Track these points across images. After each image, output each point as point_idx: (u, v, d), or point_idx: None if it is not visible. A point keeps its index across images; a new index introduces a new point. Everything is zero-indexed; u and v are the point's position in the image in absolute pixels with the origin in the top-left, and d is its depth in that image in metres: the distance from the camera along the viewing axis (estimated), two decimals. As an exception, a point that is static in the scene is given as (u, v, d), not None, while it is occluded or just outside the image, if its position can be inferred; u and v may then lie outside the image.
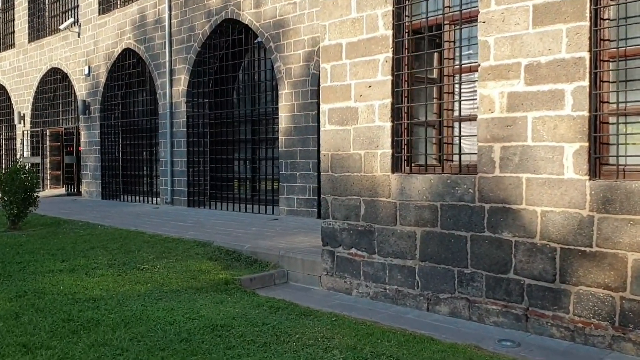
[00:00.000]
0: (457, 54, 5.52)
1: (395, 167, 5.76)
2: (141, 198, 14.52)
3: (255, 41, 11.52)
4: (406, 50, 5.71)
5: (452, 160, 5.52)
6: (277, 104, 11.12)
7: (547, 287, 4.66)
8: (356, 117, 5.99)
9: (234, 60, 12.16)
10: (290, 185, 10.68)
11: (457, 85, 5.60)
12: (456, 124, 5.65)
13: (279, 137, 10.88)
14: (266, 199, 11.21)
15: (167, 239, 8.25)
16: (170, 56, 13.17)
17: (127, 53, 14.79)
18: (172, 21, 13.15)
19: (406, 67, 5.73)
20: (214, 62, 12.63)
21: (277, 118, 11.01)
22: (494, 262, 4.95)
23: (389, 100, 5.73)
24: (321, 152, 6.36)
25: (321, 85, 6.36)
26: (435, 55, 5.75)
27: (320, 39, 6.43)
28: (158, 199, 13.91)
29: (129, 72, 15.04)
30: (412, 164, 5.80)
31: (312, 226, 9.09)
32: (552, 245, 4.62)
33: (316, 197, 10.23)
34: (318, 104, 10.22)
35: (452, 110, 5.59)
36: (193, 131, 12.88)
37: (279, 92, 10.84)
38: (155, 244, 7.92)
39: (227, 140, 12.35)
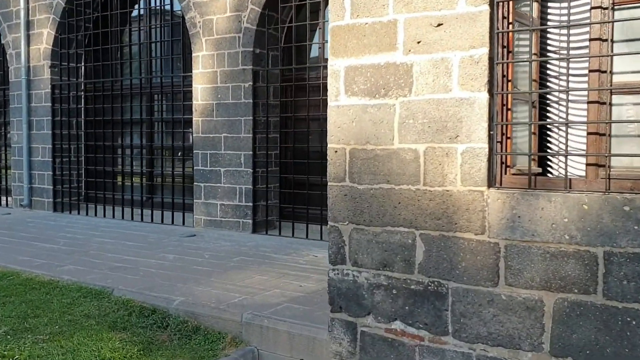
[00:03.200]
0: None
1: (493, 176, 3.12)
2: (-16, 197, 10.57)
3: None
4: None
5: (610, 168, 2.96)
6: (189, 71, 7.99)
7: None
8: (409, 82, 3.25)
9: (123, 8, 8.75)
10: (210, 186, 7.64)
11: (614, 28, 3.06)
12: (615, 99, 3.12)
13: (193, 119, 7.78)
14: (173, 204, 8.05)
15: (28, 282, 4.97)
16: (27, 1, 9.42)
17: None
18: (28, -47, 9.41)
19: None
20: (92, 11, 9.12)
21: (190, 91, 7.88)
22: None
23: (482, 52, 3.06)
24: (330, 144, 3.55)
25: (331, 25, 3.53)
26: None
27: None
28: (9, 199, 10.12)
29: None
30: (513, 172, 3.19)
31: (261, 250, 6.19)
32: None
33: (250, 204, 7.31)
34: (254, 72, 7.26)
35: (608, 72, 3.03)
36: (61, 107, 9.30)
37: (194, 55, 7.72)
38: (7, 295, 4.63)
39: (112, 121, 8.95)
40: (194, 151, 7.77)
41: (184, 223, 7.94)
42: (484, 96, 3.06)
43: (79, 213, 9.10)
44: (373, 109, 3.37)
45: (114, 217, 8.62)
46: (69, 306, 4.38)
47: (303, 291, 4.53)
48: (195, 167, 7.77)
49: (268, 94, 7.39)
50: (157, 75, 8.52)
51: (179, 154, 8.38)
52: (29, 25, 9.49)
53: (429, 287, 3.24)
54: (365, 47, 3.39)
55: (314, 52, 7.53)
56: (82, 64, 9.37)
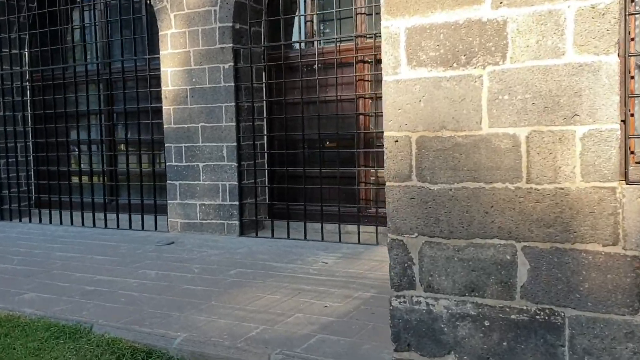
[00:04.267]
0: None
1: (626, 168, 2.33)
2: None
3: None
4: None
5: None
6: (155, 53, 6.94)
7: None
8: (501, 44, 2.42)
9: (70, -15, 7.59)
10: (187, 184, 6.66)
11: None
12: None
13: (163, 107, 6.75)
14: (142, 206, 7.02)
15: (-22, 319, 3.93)
16: (-45, -23, 8.11)
17: None
18: None
19: None
20: (35, -11, 7.91)
21: (158, 76, 6.84)
22: None
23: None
24: (387, 132, 2.70)
25: (384, -26, 2.65)
26: None
27: None
28: (-54, 208, 8.81)
29: None
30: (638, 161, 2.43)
31: (257, 257, 5.29)
32: None
33: (236, 202, 6.37)
34: (235, 51, 6.30)
35: None
36: (3, 100, 8.07)
37: (160, 34, 6.68)
38: (-47, 341, 3.60)
39: (65, 114, 7.80)
40: (166, 145, 6.76)
41: (156, 228, 6.93)
42: (614, 60, 2.26)
43: (30, 221, 7.94)
44: (450, 82, 2.53)
45: (72, 223, 7.51)
46: (37, 353, 3.39)
47: (332, 314, 3.68)
48: (168, 163, 6.76)
49: (252, 76, 6.44)
50: (116, 59, 7.41)
51: (148, 148, 7.33)
52: (-41, 5, 8.17)
53: (537, 317, 2.45)
54: (435, 1, 2.54)
55: (303, 26, 6.61)
56: (26, 49, 8.15)
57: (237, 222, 6.38)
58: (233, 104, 6.31)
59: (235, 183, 6.36)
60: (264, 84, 6.63)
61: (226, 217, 6.44)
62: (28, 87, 8.24)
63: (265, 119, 6.67)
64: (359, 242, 5.69)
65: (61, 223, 7.59)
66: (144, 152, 7.25)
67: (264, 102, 6.65)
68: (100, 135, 7.61)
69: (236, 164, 6.35)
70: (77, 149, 7.97)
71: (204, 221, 6.58)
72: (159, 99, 6.87)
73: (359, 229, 5.78)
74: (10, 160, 8.10)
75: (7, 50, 8.00)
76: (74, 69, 7.58)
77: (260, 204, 6.63)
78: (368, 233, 5.87)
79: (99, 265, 5.30)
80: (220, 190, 6.46)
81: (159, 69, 6.79)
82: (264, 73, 6.66)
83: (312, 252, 5.46)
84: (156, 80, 6.93)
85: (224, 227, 6.47)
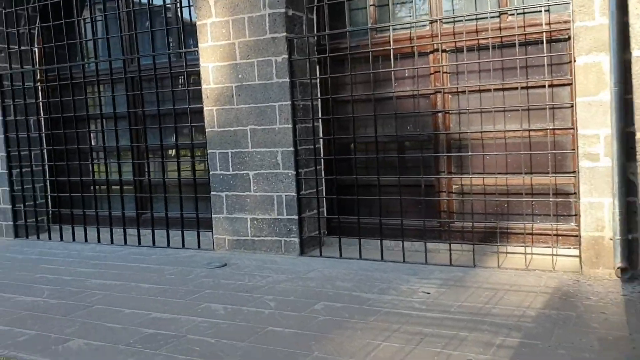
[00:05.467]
0: None
1: None
2: None
3: None
4: None
5: None
6: (194, 45, 6.07)
7: None
8: None
9: (88, -29, 6.70)
10: (235, 195, 5.80)
11: None
12: None
13: (205, 108, 5.88)
14: (182, 220, 6.16)
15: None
16: (-44, -35, 7.19)
17: None
18: None
19: None
20: (47, -23, 7.00)
21: (197, 73, 5.98)
22: None
23: None
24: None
25: None
26: None
27: None
28: (-48, 224, 7.91)
29: None
30: None
31: (338, 286, 4.45)
32: None
33: (295, 216, 5.53)
34: (289, 41, 5.44)
35: None
36: (14, 103, 7.16)
37: (198, 24, 5.80)
38: None
39: (87, 117, 6.91)
40: (209, 151, 5.90)
41: (199, 246, 6.08)
42: None
43: (50, 238, 7.05)
44: None
45: (99, 241, 6.64)
46: None
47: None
48: (212, 172, 5.91)
49: (309, 70, 5.60)
50: (146, 54, 6.52)
51: (188, 154, 6.46)
52: (-40, -3, 7.26)
53: None
54: None
55: (359, 14, 5.76)
56: (39, 45, 7.25)
57: (296, 240, 5.54)
58: (288, 102, 5.46)
59: (293, 194, 5.52)
60: (318, 79, 5.79)
61: (283, 233, 5.60)
62: (40, 87, 7.34)
63: (321, 120, 5.82)
64: (450, 264, 4.86)
65: (86, 240, 6.72)
66: (183, 159, 6.38)
67: (319, 100, 5.81)
68: (131, 142, 6.72)
69: (293, 172, 5.51)
70: (102, 157, 7.08)
71: (256, 238, 5.73)
72: (198, 99, 6.01)
73: (450, 247, 4.96)
74: (24, 170, 7.20)
75: (16, 46, 7.09)
76: (97, 66, 6.66)
77: (321, 218, 5.80)
78: (456, 252, 5.06)
79: (148, 297, 4.45)
80: (275, 202, 5.61)
81: (197, 65, 5.92)
82: (317, 66, 5.81)
83: (400, 277, 4.63)
84: (195, 77, 6.07)
85: (280, 245, 5.62)
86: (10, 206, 7.22)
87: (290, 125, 5.48)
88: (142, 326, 3.81)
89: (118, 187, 6.75)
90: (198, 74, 5.95)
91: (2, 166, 7.21)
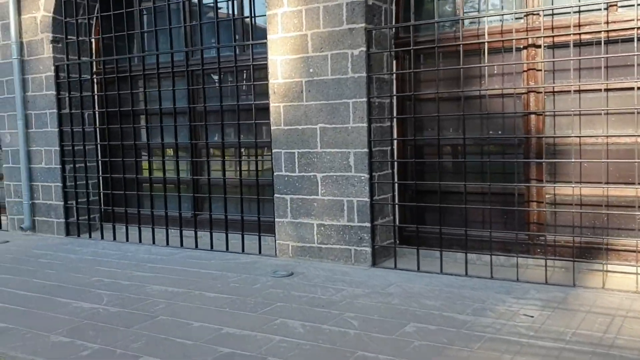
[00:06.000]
0: None
1: None
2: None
3: None
4: None
5: None
6: (260, 37, 5.71)
7: None
8: None
9: (150, -41, 6.39)
10: (301, 198, 5.40)
11: None
12: None
13: (271, 105, 5.49)
14: (242, 224, 5.79)
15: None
16: (16, -49, 6.99)
17: None
18: None
19: None
20: (107, -34, 6.73)
21: (263, 67, 5.61)
22: None
23: None
24: None
25: None
26: None
27: None
28: (3, 220, 7.72)
29: None
30: None
31: (424, 304, 3.98)
32: None
33: (367, 224, 5.09)
34: (367, 33, 5.01)
35: None
36: (69, 96, 6.92)
37: (268, 14, 5.42)
38: None
39: (146, 112, 6.61)
40: (274, 150, 5.51)
41: (260, 251, 5.70)
42: None
43: (102, 237, 6.76)
44: None
45: (153, 242, 6.33)
46: None
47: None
48: (276, 173, 5.51)
49: (387, 65, 5.16)
50: (210, 45, 6.17)
51: (251, 151, 6.10)
52: (19, -14, 7.06)
53: None
54: None
55: (437, 5, 5.30)
56: (97, 36, 6.99)
57: (368, 249, 5.11)
58: (364, 99, 5.03)
59: (366, 199, 5.08)
60: (393, 75, 5.34)
61: (354, 241, 5.17)
62: (97, 80, 7.08)
63: (395, 120, 5.37)
64: (546, 282, 4.36)
65: (140, 241, 6.41)
66: (245, 158, 6.02)
67: (394, 97, 5.37)
68: (190, 139, 6.38)
69: (367, 175, 5.07)
70: (159, 154, 6.77)
71: (323, 245, 5.32)
72: (263, 94, 5.64)
73: (546, 264, 4.45)
74: (77, 165, 6.95)
75: (74, 36, 6.84)
76: (157, 58, 6.33)
77: (391, 226, 5.36)
78: (548, 268, 4.54)
79: (215, 308, 4.07)
80: (345, 207, 5.19)
81: (264, 58, 5.55)
82: (394, 61, 5.36)
83: (492, 295, 4.14)
84: (261, 72, 5.71)
85: (350, 254, 5.20)
86: (62, 203, 6.97)
87: (365, 125, 5.05)
88: (215, 343, 3.43)
89: (174, 186, 6.43)
90: (264, 68, 5.58)
91: (55, 161, 6.98)
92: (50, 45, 6.86)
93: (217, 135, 6.26)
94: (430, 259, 5.02)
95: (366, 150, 5.06)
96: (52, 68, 6.88)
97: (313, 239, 5.37)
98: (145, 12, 6.88)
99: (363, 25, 4.98)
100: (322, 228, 5.32)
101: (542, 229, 4.91)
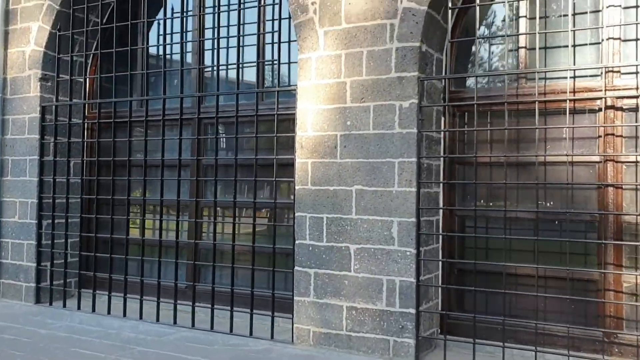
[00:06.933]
0: None
1: None
2: None
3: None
4: None
5: None
6: (288, 83, 4.97)
7: None
8: None
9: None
10: (328, 274, 4.49)
11: None
12: None
13: (296, 160, 4.67)
14: (252, 300, 4.83)
15: None
16: (8, -20, 6.26)
17: None
18: None
19: None
20: (111, -1, 6.03)
21: (290, 118, 4.84)
22: None
23: None
24: None
25: None
26: None
27: None
28: (-39, 279, 6.62)
29: None
30: None
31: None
32: None
33: (412, 310, 4.18)
34: (420, 83, 4.29)
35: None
36: (55, 141, 6.03)
37: (301, 57, 4.69)
38: None
39: (144, 164, 5.72)
40: (297, 214, 4.64)
41: (272, 336, 4.72)
42: None
43: (79, 307, 5.70)
44: None
45: (141, 317, 5.29)
46: None
47: None
48: (298, 241, 4.63)
49: (438, 121, 4.43)
50: (227, 92, 5.39)
51: (269, 214, 5.23)
52: (8, 16, 6.29)
53: None
54: None
55: (511, 53, 4.63)
56: (90, 75, 6.19)
57: (411, 341, 4.18)
58: (414, 159, 4.24)
59: (412, 280, 4.20)
60: (443, 134, 4.60)
61: (393, 331, 4.24)
62: (89, 125, 6.24)
63: (444, 185, 4.59)
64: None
65: (125, 314, 5.38)
66: (260, 222, 5.14)
67: (444, 159, 4.61)
68: (197, 196, 5.48)
69: (414, 251, 4.21)
70: (157, 211, 5.84)
71: (353, 334, 4.37)
72: (287, 148, 4.85)
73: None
74: (57, 221, 5.97)
75: (67, 74, 6.03)
76: (164, 104, 5.50)
77: (436, 313, 4.47)
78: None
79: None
80: (384, 288, 4.29)
81: (292, 107, 4.79)
82: (443, 118, 4.63)
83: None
84: (286, 123, 4.94)
85: (388, 346, 4.25)
86: (34, 264, 5.94)
87: (413, 189, 4.24)
88: None
89: (170, 249, 5.48)
90: (287, 119, 4.80)
91: (31, 215, 6.00)
92: (39, 83, 6.03)
93: (226, 192, 5.38)
94: (481, 353, 4.13)
95: (414, 219, 4.22)
96: (38, 109, 6.02)
97: (341, 325, 4.42)
98: (150, 54, 6.13)
99: (416, 74, 4.26)
100: (354, 312, 4.39)
101: (620, 325, 4.07)
